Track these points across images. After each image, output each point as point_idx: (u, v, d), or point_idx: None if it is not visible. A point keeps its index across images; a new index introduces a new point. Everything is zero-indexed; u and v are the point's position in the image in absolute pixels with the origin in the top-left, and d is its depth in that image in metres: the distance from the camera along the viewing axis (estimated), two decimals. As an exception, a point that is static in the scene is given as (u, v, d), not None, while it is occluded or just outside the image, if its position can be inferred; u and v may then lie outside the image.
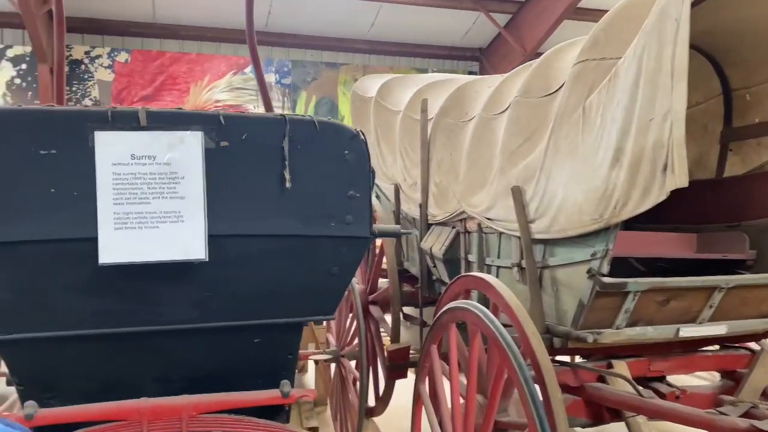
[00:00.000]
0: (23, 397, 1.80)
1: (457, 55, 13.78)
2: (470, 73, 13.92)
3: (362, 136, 1.81)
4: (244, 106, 12.31)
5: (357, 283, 4.73)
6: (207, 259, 1.68)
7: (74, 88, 11.37)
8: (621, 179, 2.28)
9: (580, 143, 2.52)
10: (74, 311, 1.70)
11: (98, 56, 11.53)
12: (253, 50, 2.54)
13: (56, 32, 2.42)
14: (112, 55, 11.58)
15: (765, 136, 3.31)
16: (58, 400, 1.79)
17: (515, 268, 3.09)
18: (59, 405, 1.78)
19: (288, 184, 1.75)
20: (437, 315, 2.73)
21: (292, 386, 1.99)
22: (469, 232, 3.66)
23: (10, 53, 10.99)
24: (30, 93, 10.98)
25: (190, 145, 1.66)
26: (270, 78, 12.50)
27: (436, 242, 3.92)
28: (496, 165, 3.30)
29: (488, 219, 3.31)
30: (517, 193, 2.94)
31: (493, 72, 13.21)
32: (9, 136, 1.56)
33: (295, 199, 1.78)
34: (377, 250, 4.79)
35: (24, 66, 11.01)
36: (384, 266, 4.66)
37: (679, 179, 2.07)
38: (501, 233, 3.24)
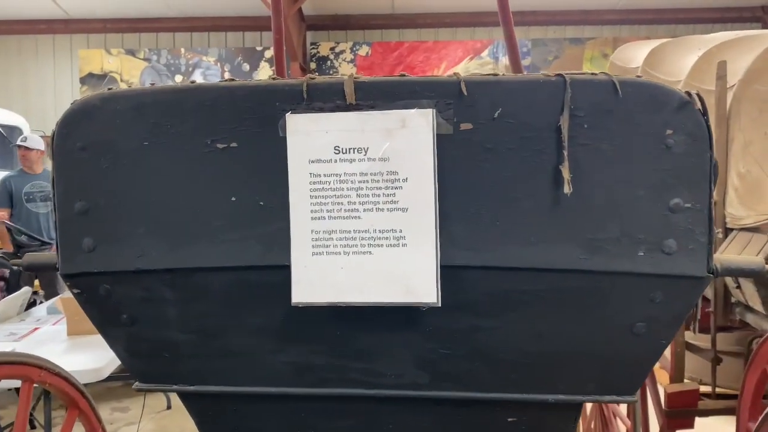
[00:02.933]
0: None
1: (731, 17, 11.50)
2: (750, 36, 11.57)
3: (699, 104, 1.05)
4: (480, 92, 11.79)
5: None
6: (439, 304, 1.10)
7: (321, 84, 11.94)
8: None
9: None
10: (263, 362, 1.25)
11: (342, 51, 11.93)
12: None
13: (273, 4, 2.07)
14: (354, 49, 11.89)
15: None
16: None
17: None
18: None
19: (567, 188, 1.07)
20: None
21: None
22: (800, 245, 2.59)
23: (267, 54, 11.91)
24: (284, 91, 11.79)
25: (417, 129, 1.08)
26: (507, 60, 11.76)
27: (743, 255, 2.88)
28: None
29: None
30: None
31: (784, 32, 10.77)
32: (174, 125, 1.14)
33: (577, 211, 1.09)
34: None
35: (278, 66, 11.84)
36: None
37: None
38: None
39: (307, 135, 1.11)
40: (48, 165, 7.38)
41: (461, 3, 11.24)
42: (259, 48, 11.90)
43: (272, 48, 2.26)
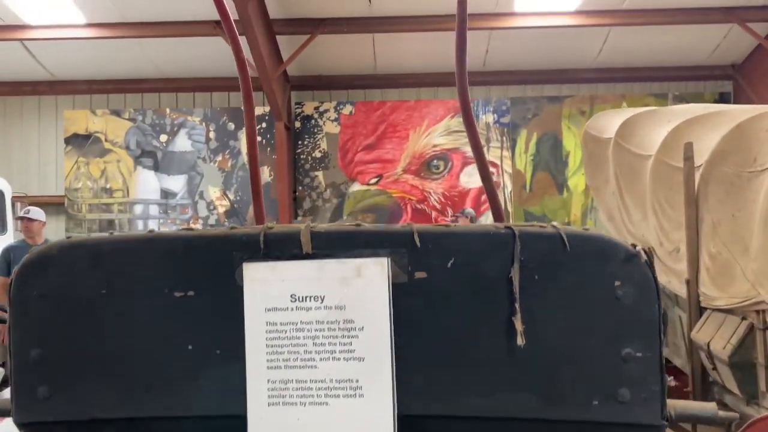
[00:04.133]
0: None
1: (705, 75, 11.91)
2: (722, 94, 11.94)
3: (645, 257, 1.07)
4: (461, 149, 11.97)
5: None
6: None
7: (305, 142, 12.07)
8: None
9: None
10: None
11: (326, 110, 12.13)
12: (470, 126, 1.94)
13: (248, 140, 2.09)
14: (338, 108, 12.10)
15: None
16: None
17: None
18: None
19: (520, 339, 1.08)
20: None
21: None
22: (771, 330, 2.61)
23: (252, 114, 12.06)
24: (268, 149, 11.90)
25: (372, 278, 1.09)
26: (488, 118, 12.02)
27: (717, 337, 2.90)
28: (821, 241, 2.25)
29: (812, 321, 2.26)
30: None
31: (754, 92, 11.13)
32: (131, 274, 1.15)
33: (532, 361, 1.10)
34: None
35: (264, 124, 11.98)
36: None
37: None
38: (836, 343, 2.18)
39: (264, 283, 1.12)
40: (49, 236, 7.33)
41: (441, 63, 11.52)
42: (243, 108, 12.06)
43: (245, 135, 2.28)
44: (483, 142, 12.05)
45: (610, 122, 4.98)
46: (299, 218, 11.87)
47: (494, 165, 12.01)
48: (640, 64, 11.69)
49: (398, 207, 11.88)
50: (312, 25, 10.34)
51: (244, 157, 11.96)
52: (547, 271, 1.09)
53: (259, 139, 12.01)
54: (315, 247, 1.11)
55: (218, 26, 10.14)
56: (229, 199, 12.10)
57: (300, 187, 12.01)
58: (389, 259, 1.10)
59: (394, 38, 10.60)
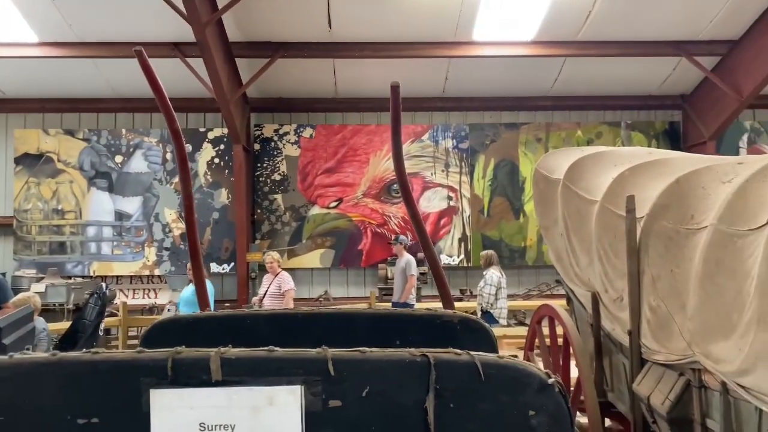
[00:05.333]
0: None
1: (655, 105, 12.30)
2: (671, 123, 12.33)
3: (558, 387, 1.08)
4: (421, 173, 12.06)
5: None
6: None
7: (265, 165, 11.98)
8: None
9: None
10: None
11: (286, 133, 12.07)
12: (406, 193, 1.94)
13: (182, 184, 2.05)
14: (299, 131, 12.06)
15: None
16: None
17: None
18: None
19: None
20: None
21: None
22: (707, 387, 2.67)
23: (210, 135, 11.92)
24: (226, 171, 11.77)
25: (284, 406, 1.07)
26: (447, 143, 12.15)
27: (656, 391, 2.95)
28: (750, 308, 2.31)
29: (741, 387, 2.31)
30: (796, 368, 1.95)
31: (701, 121, 11.54)
32: (32, 400, 1.10)
33: None
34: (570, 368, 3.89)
35: (222, 146, 11.86)
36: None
37: None
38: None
39: (171, 411, 1.08)
40: None
41: (402, 89, 11.59)
42: (202, 129, 11.92)
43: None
44: (442, 167, 12.20)
45: (559, 162, 5.04)
46: (257, 241, 11.73)
47: (453, 190, 12.13)
48: (594, 93, 12.00)
49: (358, 231, 11.86)
50: (272, 49, 10.31)
51: (201, 179, 11.80)
52: (463, 399, 1.08)
53: (217, 161, 11.89)
54: (225, 374, 1.08)
55: (176, 48, 10.04)
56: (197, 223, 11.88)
57: (258, 210, 11.89)
58: (303, 387, 1.08)
59: (355, 63, 10.64)
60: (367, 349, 1.11)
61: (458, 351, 1.10)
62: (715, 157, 4.15)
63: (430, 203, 12.11)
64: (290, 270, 11.79)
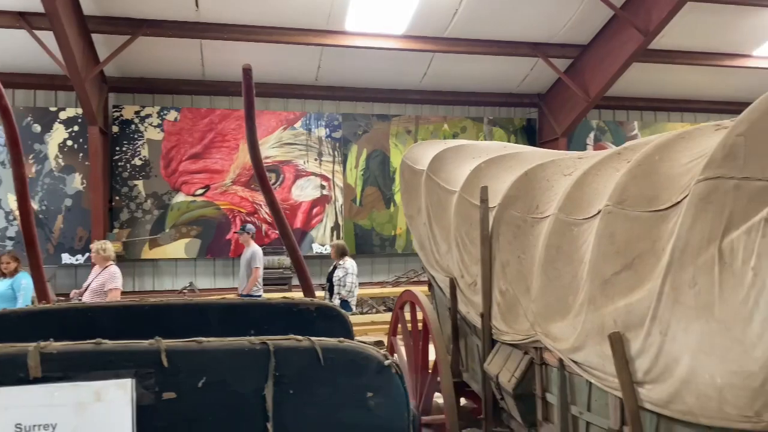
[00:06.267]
0: None
1: (515, 102, 13.08)
2: (529, 120, 13.18)
3: (396, 369, 1.12)
4: (294, 161, 11.94)
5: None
6: None
7: (124, 148, 11.26)
8: (796, 373, 1.50)
9: (717, 300, 1.76)
10: None
11: (148, 115, 11.42)
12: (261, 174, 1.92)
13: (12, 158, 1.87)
14: (162, 113, 11.45)
15: None
16: None
17: (615, 437, 2.31)
18: None
19: None
20: None
21: None
22: (547, 364, 2.90)
23: (62, 116, 10.99)
24: (81, 154, 10.93)
25: (113, 402, 1.02)
26: (320, 132, 12.12)
27: (504, 370, 3.16)
28: (583, 291, 2.54)
29: (575, 362, 2.54)
30: (618, 343, 2.18)
31: (554, 119, 12.43)
32: None
33: None
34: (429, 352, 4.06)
35: (76, 128, 10.98)
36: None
37: None
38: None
39: (-15, 412, 0.99)
40: None
41: (275, 74, 11.42)
42: (53, 108, 10.95)
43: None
44: (316, 155, 12.17)
45: (423, 154, 5.23)
46: (115, 230, 11.01)
47: (326, 179, 12.15)
48: (459, 89, 12.53)
49: (227, 219, 11.52)
50: (133, 26, 9.67)
51: (52, 162, 10.86)
52: (303, 385, 1.09)
53: (70, 143, 10.98)
54: (46, 370, 1.01)
55: (23, 18, 9.12)
56: (33, 209, 10.90)
57: (117, 197, 11.16)
58: (134, 380, 1.03)
59: (225, 45, 10.27)
60: (204, 339, 1.09)
61: (299, 337, 1.11)
62: (560, 152, 4.49)
63: (303, 192, 12.05)
64: (152, 261, 11.23)
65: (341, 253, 8.84)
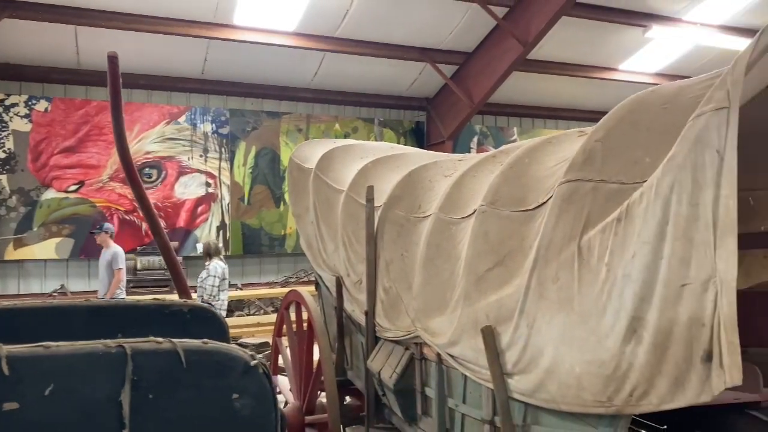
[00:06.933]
0: None
1: (404, 105, 13.36)
2: (417, 123, 13.51)
3: (263, 368, 1.10)
4: (177, 157, 11.46)
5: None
6: None
7: (-15, 139, 10.28)
8: (640, 359, 1.65)
9: (576, 294, 1.89)
10: None
11: (14, 104, 10.49)
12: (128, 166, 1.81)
13: None
14: (30, 103, 10.57)
15: (774, 248, 2.79)
16: None
17: (487, 426, 2.42)
18: None
19: None
20: None
21: None
22: (426, 359, 2.98)
23: None
24: (-68, 145, 9.84)
25: (-55, 416, 0.92)
26: (206, 127, 11.71)
27: (386, 366, 3.22)
28: (459, 287, 2.64)
29: (451, 356, 2.63)
30: (489, 336, 2.28)
31: (441, 123, 12.83)
32: None
33: None
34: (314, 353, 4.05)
35: (-75, 115, 9.88)
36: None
37: (731, 374, 1.45)
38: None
39: None
40: None
41: (158, 66, 10.90)
42: None
43: None
44: (201, 152, 11.73)
45: (312, 152, 5.21)
46: (-26, 229, 10.02)
47: (212, 176, 11.76)
48: (351, 90, 12.59)
49: (103, 218, 10.82)
50: (-4, 6, 8.85)
51: None
52: (163, 389, 1.05)
53: None
54: None
55: None
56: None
57: (-24, 193, 10.17)
58: (-31, 391, 0.94)
59: (103, 33, 9.64)
60: (53, 343, 1.01)
61: (159, 339, 1.06)
62: (443, 154, 4.65)
63: (187, 189, 11.59)
64: (17, 262, 10.32)
65: (207, 253, 8.40)
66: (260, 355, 6.73)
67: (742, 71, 1.48)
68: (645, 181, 1.69)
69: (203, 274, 8.19)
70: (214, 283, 8.08)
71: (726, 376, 1.45)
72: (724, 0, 10.79)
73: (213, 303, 8.09)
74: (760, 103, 2.32)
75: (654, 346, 1.60)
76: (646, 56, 12.41)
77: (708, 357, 1.49)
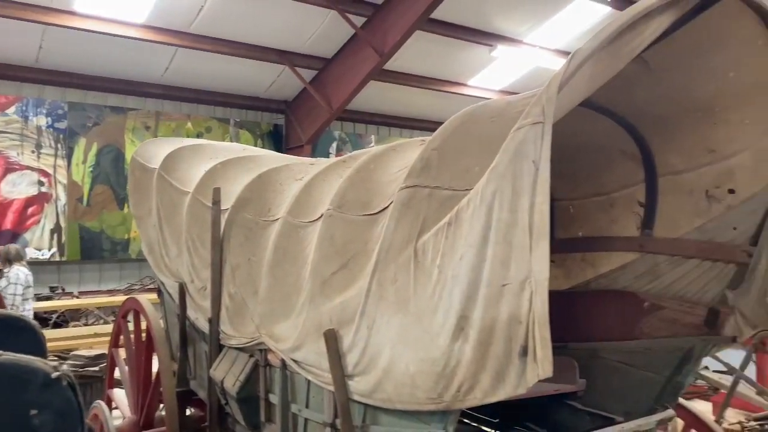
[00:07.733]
0: None
1: (262, 107, 13.14)
2: (276, 125, 13.35)
3: (68, 381, 1.01)
4: (5, 152, 10.33)
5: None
6: None
7: None
8: (467, 356, 1.75)
9: (413, 295, 1.96)
10: None
11: None
12: None
13: None
14: None
15: (589, 252, 3.09)
16: None
17: (329, 429, 2.43)
18: None
19: None
20: None
21: None
22: (270, 366, 2.93)
23: None
24: None
25: None
26: (40, 121, 10.68)
27: (230, 374, 3.12)
28: (305, 291, 2.63)
29: (295, 361, 2.61)
30: (332, 339, 2.30)
31: (300, 127, 12.79)
32: None
33: None
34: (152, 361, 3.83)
35: None
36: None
37: (542, 367, 1.58)
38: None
39: None
40: None
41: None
42: None
43: None
44: (33, 147, 10.65)
45: (157, 152, 4.93)
46: None
47: (46, 174, 10.74)
48: (205, 88, 12.14)
49: None
50: None
51: None
52: None
53: None
54: None
55: None
56: None
57: None
58: None
59: None
60: None
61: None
62: (296, 157, 4.62)
63: (15, 188, 10.48)
64: None
65: (6, 259, 7.52)
66: (96, 368, 6.24)
67: (555, 89, 1.62)
68: (473, 188, 1.80)
69: (2, 282, 7.31)
70: (16, 291, 7.24)
71: (539, 369, 1.58)
72: (560, 26, 11.85)
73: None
74: (583, 119, 2.57)
75: (479, 342, 1.70)
76: (492, 74, 13.29)
77: (524, 352, 1.61)
